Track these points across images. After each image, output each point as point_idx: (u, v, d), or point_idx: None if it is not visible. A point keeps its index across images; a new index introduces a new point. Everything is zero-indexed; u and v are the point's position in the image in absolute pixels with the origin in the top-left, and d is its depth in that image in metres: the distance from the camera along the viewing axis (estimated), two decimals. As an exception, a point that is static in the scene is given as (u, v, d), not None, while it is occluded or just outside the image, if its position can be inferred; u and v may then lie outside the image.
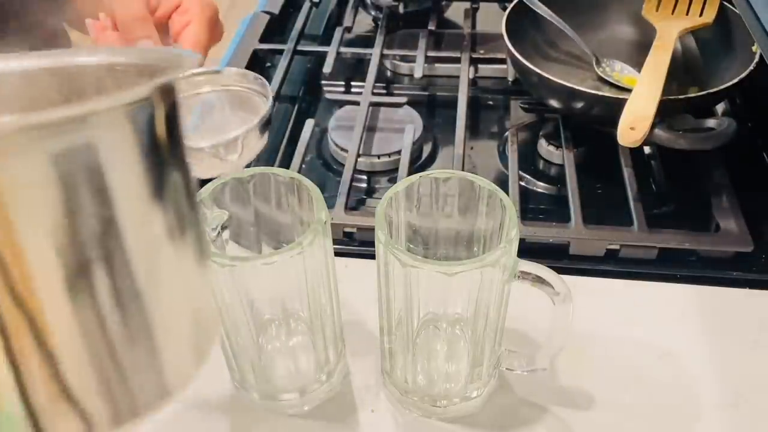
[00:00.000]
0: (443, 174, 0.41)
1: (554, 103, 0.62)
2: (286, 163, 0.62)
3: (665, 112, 0.54)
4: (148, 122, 0.23)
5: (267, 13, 0.83)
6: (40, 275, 0.22)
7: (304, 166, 0.62)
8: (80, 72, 0.23)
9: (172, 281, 0.25)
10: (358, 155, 0.61)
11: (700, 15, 0.65)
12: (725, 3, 0.65)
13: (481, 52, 0.77)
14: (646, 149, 0.64)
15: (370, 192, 0.63)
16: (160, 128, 0.24)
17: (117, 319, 0.23)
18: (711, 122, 0.57)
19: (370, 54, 0.75)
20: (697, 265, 0.53)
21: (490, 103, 0.73)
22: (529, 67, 0.61)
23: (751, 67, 0.58)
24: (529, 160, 0.64)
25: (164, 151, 0.24)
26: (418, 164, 0.65)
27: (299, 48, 0.77)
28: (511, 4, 0.69)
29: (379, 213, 0.38)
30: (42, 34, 0.53)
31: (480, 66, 0.75)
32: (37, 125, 0.20)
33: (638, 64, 0.62)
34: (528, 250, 0.52)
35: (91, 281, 0.23)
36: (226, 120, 0.43)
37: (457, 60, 0.74)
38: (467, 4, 0.85)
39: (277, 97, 0.70)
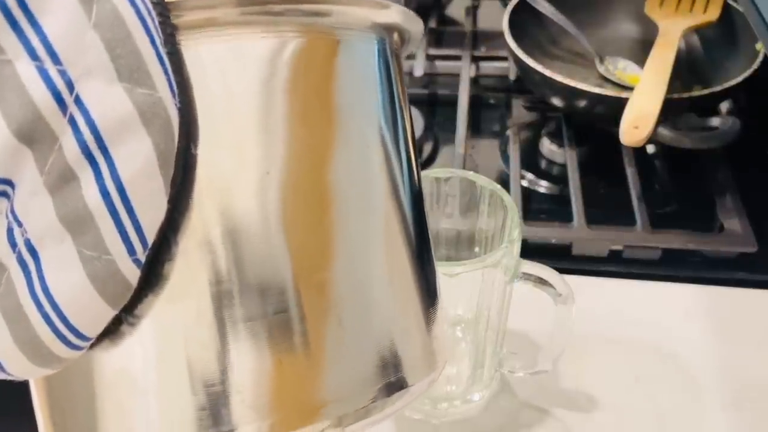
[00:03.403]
0: (444, 173, 0.40)
1: (556, 101, 0.62)
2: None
3: (669, 111, 0.54)
4: (383, 51, 0.24)
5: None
6: None
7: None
8: None
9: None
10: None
11: (704, 12, 0.64)
12: (729, 1, 0.64)
13: (483, 50, 0.76)
14: (650, 148, 0.63)
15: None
16: (392, 67, 0.24)
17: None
18: (715, 121, 0.57)
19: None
20: (700, 266, 0.52)
21: (492, 101, 0.72)
22: (531, 65, 0.60)
23: (756, 66, 0.57)
24: (531, 159, 0.63)
25: (395, 92, 0.24)
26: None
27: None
28: (513, 2, 0.68)
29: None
30: None
31: (481, 64, 0.75)
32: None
33: (642, 62, 0.61)
34: (530, 250, 0.51)
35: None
36: None
37: (458, 58, 0.74)
38: (468, 2, 0.84)
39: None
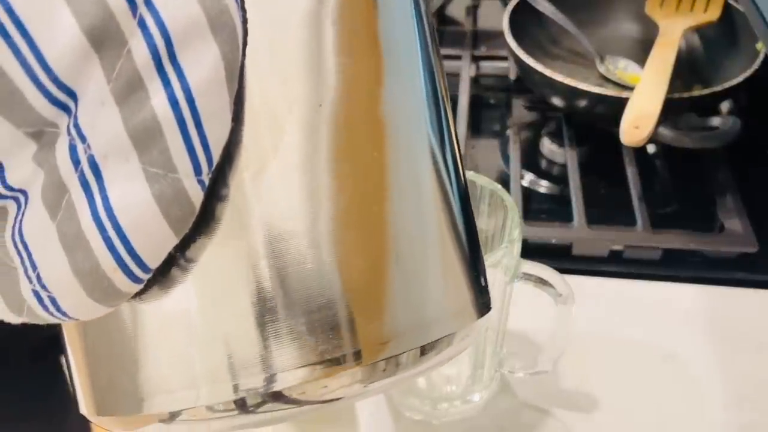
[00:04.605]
0: (444, 173, 0.40)
1: (557, 101, 0.61)
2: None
3: (669, 111, 0.54)
4: None
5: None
6: None
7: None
8: None
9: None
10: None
11: (705, 12, 0.64)
12: (729, 1, 0.64)
13: (483, 49, 0.76)
14: (650, 148, 0.63)
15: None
16: (423, 8, 0.24)
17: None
18: (715, 121, 0.57)
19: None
20: (701, 266, 0.52)
21: (492, 101, 0.72)
22: (532, 65, 0.60)
23: (756, 66, 0.57)
24: (531, 159, 0.63)
25: (428, 34, 0.24)
26: (419, 163, 0.64)
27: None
28: (513, 1, 0.68)
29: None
30: None
31: (481, 64, 0.75)
32: None
33: (642, 61, 0.61)
34: (530, 250, 0.51)
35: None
36: None
37: (458, 57, 0.74)
38: (468, 1, 0.84)
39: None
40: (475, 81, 0.73)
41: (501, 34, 0.65)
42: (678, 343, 0.46)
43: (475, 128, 0.68)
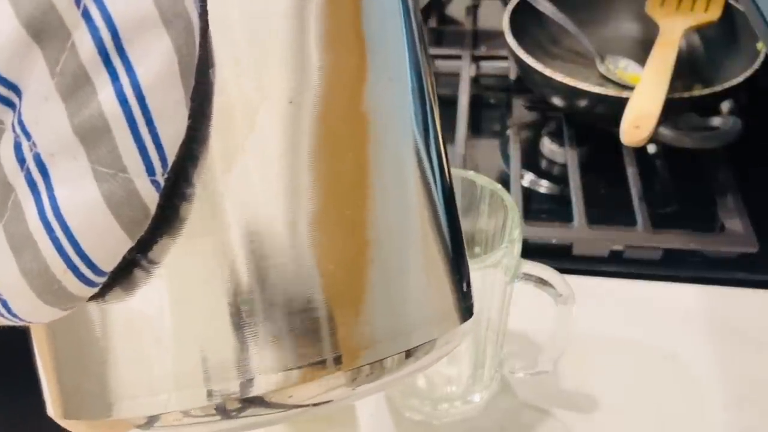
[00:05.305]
0: (444, 173, 0.40)
1: (557, 101, 0.61)
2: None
3: (670, 111, 0.54)
4: None
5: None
6: None
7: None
8: None
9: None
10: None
11: (705, 11, 0.64)
12: (730, 0, 0.64)
13: (483, 49, 0.76)
14: (651, 148, 0.63)
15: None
16: (410, 4, 0.23)
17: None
18: (716, 121, 0.57)
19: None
20: (701, 266, 0.52)
21: (492, 101, 0.72)
22: (532, 64, 0.60)
23: (756, 65, 0.57)
24: (531, 159, 0.63)
25: (416, 31, 0.23)
26: (419, 163, 0.64)
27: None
28: (513, 1, 0.68)
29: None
30: None
31: (481, 63, 0.74)
32: None
33: (643, 61, 0.61)
34: (530, 250, 0.51)
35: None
36: None
37: (459, 57, 0.73)
38: (468, 1, 0.84)
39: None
40: (475, 81, 0.73)
41: (501, 34, 0.65)
42: (678, 343, 0.46)
43: (475, 128, 0.68)
